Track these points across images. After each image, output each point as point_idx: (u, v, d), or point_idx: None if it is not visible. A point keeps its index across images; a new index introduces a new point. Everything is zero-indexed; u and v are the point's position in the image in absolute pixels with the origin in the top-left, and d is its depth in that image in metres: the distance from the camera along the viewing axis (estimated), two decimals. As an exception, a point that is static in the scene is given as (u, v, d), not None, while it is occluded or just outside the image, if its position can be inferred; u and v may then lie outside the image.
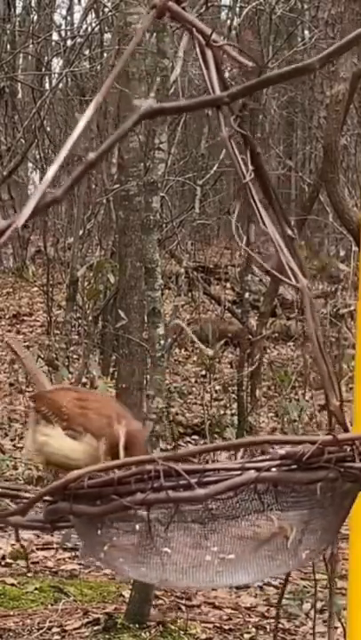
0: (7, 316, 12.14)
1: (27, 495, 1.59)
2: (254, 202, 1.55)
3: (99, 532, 1.50)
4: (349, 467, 1.46)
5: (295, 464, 1.45)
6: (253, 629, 4.97)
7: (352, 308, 8.79)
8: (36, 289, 12.98)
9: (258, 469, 1.44)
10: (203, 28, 1.58)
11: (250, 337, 8.21)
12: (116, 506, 1.45)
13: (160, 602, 5.18)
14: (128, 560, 1.50)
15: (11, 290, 13.22)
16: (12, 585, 5.29)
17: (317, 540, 1.51)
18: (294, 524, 1.49)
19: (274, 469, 1.45)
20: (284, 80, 1.56)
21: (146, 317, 5.31)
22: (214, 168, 9.28)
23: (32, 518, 1.55)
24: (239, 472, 1.44)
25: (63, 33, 13.03)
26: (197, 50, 1.58)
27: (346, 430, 1.51)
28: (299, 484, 1.46)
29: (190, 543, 1.49)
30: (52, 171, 1.31)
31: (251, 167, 1.56)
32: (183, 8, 1.55)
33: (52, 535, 5.77)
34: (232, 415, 8.52)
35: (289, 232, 1.58)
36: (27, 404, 8.79)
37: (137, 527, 1.50)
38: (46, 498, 1.52)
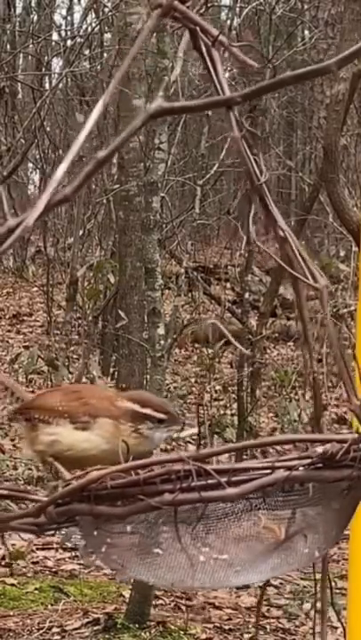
0: (7, 316, 12.14)
1: (34, 497, 1.54)
2: (269, 203, 1.54)
3: (95, 532, 1.47)
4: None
5: (323, 462, 1.44)
6: (253, 629, 4.97)
7: (352, 307, 8.78)
8: (35, 289, 12.98)
9: (289, 468, 1.43)
10: (209, 28, 1.57)
11: (250, 337, 8.20)
12: (143, 506, 1.42)
13: (160, 602, 5.17)
14: (131, 561, 1.48)
15: (11, 290, 13.22)
16: (12, 585, 5.29)
17: (325, 538, 1.50)
18: (283, 522, 1.49)
19: (301, 468, 1.44)
20: (299, 81, 1.53)
21: (146, 317, 5.31)
22: (214, 168, 9.26)
23: (38, 521, 1.51)
24: (269, 471, 1.43)
25: (63, 33, 13.04)
26: (203, 50, 1.56)
27: None
28: (325, 482, 1.45)
29: (193, 544, 1.47)
30: (61, 170, 1.30)
31: (264, 168, 1.55)
32: (187, 7, 1.54)
33: (52, 535, 5.76)
34: (232, 415, 8.51)
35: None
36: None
37: (128, 528, 1.47)
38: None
